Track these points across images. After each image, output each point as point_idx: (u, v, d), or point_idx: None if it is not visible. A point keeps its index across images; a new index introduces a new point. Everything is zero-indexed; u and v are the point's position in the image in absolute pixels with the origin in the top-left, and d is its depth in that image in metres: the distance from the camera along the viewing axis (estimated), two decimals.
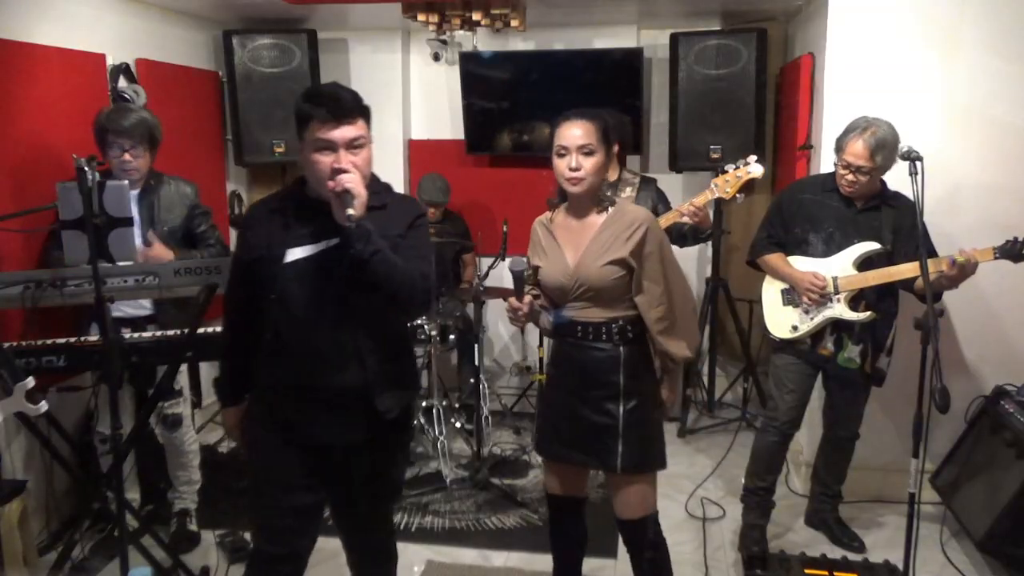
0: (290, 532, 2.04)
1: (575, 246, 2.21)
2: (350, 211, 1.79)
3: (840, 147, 2.77)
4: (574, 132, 2.13)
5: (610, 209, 2.22)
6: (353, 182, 1.82)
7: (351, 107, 1.88)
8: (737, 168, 2.92)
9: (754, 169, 2.91)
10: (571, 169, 2.13)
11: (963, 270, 2.54)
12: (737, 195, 2.97)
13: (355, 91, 1.93)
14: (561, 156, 2.16)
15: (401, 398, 2.05)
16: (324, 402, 1.96)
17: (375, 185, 2.02)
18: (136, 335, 2.67)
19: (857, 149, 2.70)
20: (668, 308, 2.19)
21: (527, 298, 2.18)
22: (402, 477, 2.28)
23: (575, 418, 2.24)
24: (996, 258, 2.59)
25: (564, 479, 2.38)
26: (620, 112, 3.55)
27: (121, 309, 2.89)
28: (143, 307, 2.93)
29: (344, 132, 1.86)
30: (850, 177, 2.76)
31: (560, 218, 2.30)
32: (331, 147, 1.86)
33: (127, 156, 2.80)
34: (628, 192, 3.32)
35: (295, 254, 1.93)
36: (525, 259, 2.19)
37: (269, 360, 2.00)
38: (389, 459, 2.11)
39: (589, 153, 2.13)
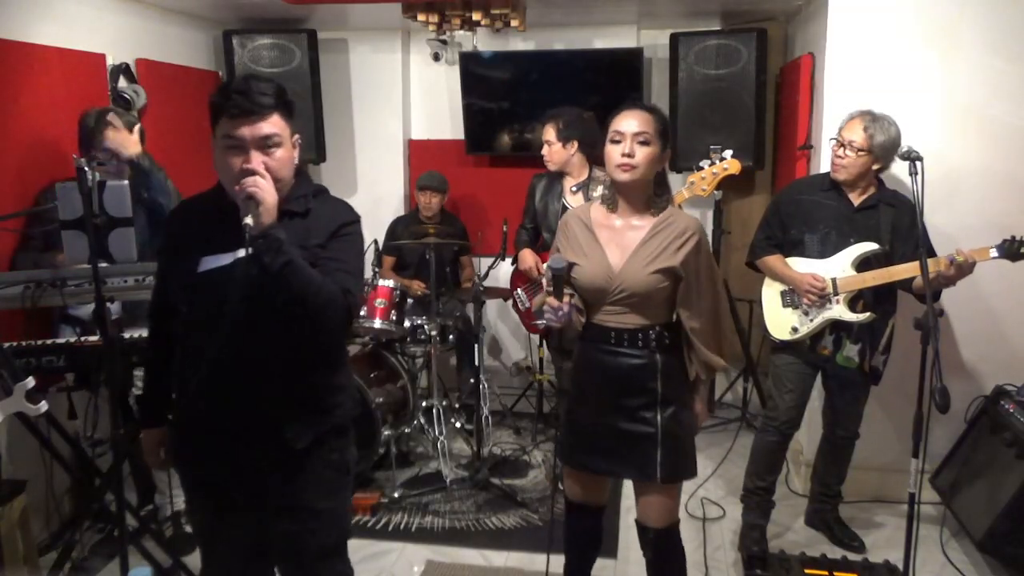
0: (231, 568, 1.90)
1: (620, 248, 2.11)
2: (247, 220, 1.60)
3: (839, 128, 2.83)
4: (631, 120, 2.05)
5: (660, 213, 2.13)
6: (258, 187, 1.62)
7: (263, 101, 1.67)
8: (713, 164, 2.89)
9: (730, 165, 2.87)
10: (624, 155, 2.04)
11: (961, 269, 2.54)
12: (715, 192, 2.94)
13: (276, 84, 1.73)
14: (615, 143, 2.06)
15: (313, 426, 1.81)
16: (226, 426, 1.77)
17: (302, 187, 1.83)
18: (137, 335, 2.67)
19: (853, 124, 2.77)
20: (708, 320, 2.13)
21: (566, 298, 2.07)
22: (338, 506, 1.95)
23: (608, 428, 2.16)
24: (994, 257, 2.59)
25: (587, 487, 2.31)
26: (582, 109, 3.62)
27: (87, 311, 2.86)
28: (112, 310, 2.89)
29: (255, 129, 1.66)
30: (839, 151, 2.78)
31: (600, 216, 2.18)
32: (241, 145, 1.67)
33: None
34: (600, 190, 3.33)
35: (209, 263, 1.74)
36: (565, 258, 2.09)
37: (180, 380, 1.82)
38: (312, 485, 1.84)
39: (644, 143, 2.04)
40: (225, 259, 1.74)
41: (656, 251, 2.08)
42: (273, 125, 1.69)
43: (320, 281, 1.69)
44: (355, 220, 1.87)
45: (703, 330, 2.12)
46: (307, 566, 1.90)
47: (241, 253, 1.70)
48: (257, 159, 1.68)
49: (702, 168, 2.91)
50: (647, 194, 2.14)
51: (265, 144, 1.69)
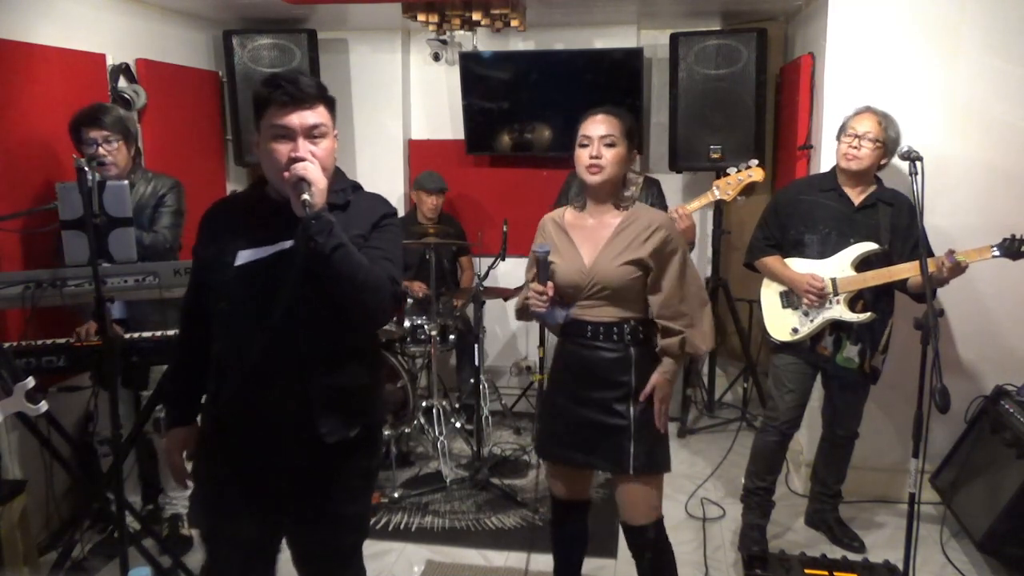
0: (237, 567, 1.87)
1: (591, 245, 2.20)
2: (305, 196, 1.61)
3: (844, 126, 2.85)
4: (597, 124, 2.16)
5: (628, 210, 2.22)
6: (308, 169, 1.65)
7: (311, 92, 1.71)
8: (739, 171, 2.97)
9: (755, 173, 2.96)
10: (592, 157, 2.14)
11: (957, 267, 2.55)
12: (738, 197, 3.03)
13: (316, 79, 1.80)
14: (583, 146, 2.18)
15: (348, 422, 1.80)
16: (264, 423, 1.78)
17: (340, 182, 1.87)
18: (136, 335, 2.68)
19: (863, 118, 2.80)
20: (681, 308, 2.18)
21: (550, 283, 2.17)
22: (363, 511, 1.98)
23: (581, 420, 2.22)
24: (995, 256, 2.59)
25: (569, 482, 2.36)
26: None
27: None
28: (113, 310, 2.89)
29: (303, 117, 1.70)
30: (854, 143, 2.79)
31: (572, 217, 2.28)
32: (288, 135, 1.70)
33: (102, 150, 2.77)
34: (632, 190, 3.35)
35: (245, 256, 1.75)
36: (548, 243, 2.18)
37: (215, 376, 1.83)
38: (341, 490, 1.85)
39: (611, 144, 2.15)
40: (264, 252, 1.75)
41: (624, 244, 2.17)
42: (319, 115, 1.72)
43: (369, 267, 1.70)
44: (394, 212, 1.90)
45: (674, 317, 2.16)
46: (326, 567, 1.92)
47: (282, 245, 1.72)
48: (305, 147, 1.70)
49: (728, 174, 2.98)
50: (615, 193, 2.23)
51: (312, 133, 1.71)
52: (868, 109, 2.84)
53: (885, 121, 2.79)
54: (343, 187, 1.86)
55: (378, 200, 1.92)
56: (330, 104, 1.77)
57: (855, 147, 2.79)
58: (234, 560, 1.88)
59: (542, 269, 2.15)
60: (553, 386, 2.35)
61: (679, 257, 2.19)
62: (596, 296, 2.18)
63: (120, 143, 2.84)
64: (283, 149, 1.69)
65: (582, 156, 2.18)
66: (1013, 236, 2.58)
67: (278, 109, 1.69)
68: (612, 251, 2.17)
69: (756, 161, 2.99)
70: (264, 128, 1.72)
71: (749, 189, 3.08)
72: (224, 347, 1.81)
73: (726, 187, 2.99)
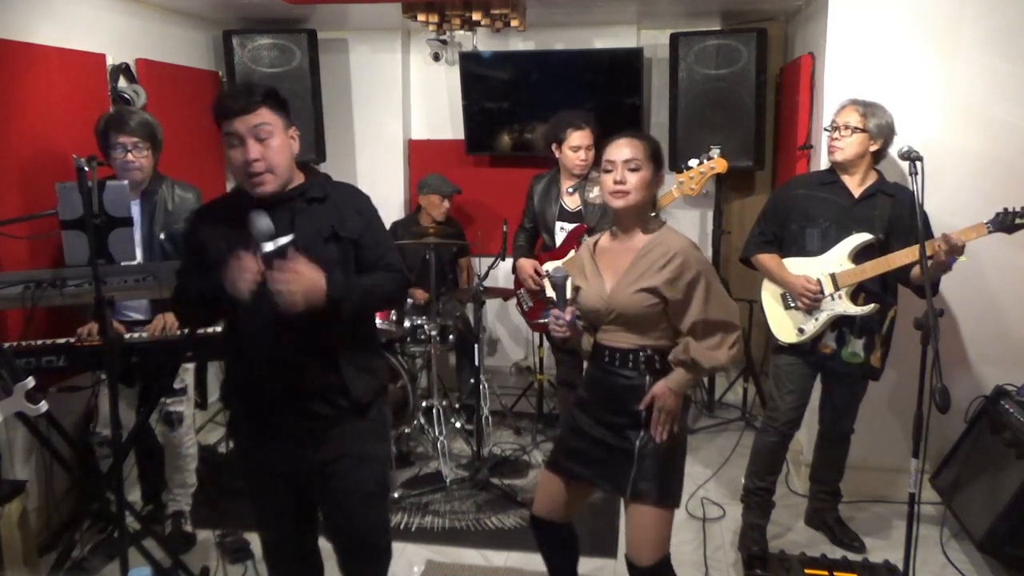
0: (274, 519, 2.14)
1: (614, 271, 2.19)
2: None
3: (832, 119, 2.85)
4: (620, 148, 2.15)
5: (653, 234, 2.18)
6: (283, 284, 1.78)
7: (246, 96, 1.87)
8: (701, 163, 2.91)
9: (717, 163, 2.89)
10: (616, 182, 2.13)
11: (955, 246, 2.51)
12: (703, 191, 3.00)
13: (264, 85, 1.94)
14: (607, 171, 2.16)
15: (372, 383, 2.09)
16: (268, 400, 2.01)
17: (315, 178, 2.04)
18: (136, 335, 2.68)
19: (845, 111, 2.81)
20: (708, 322, 2.10)
21: (570, 308, 2.17)
22: (381, 456, 2.19)
23: (593, 438, 2.22)
24: (989, 232, 2.57)
25: (557, 500, 2.30)
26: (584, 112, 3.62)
27: (124, 313, 2.91)
28: (139, 312, 2.91)
29: (246, 121, 1.86)
30: (836, 135, 2.80)
31: (604, 242, 2.29)
32: (239, 140, 1.87)
33: (130, 156, 2.80)
34: (596, 192, 3.36)
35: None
36: (564, 269, 2.20)
37: (232, 365, 2.13)
38: (360, 438, 2.06)
39: (635, 169, 2.13)
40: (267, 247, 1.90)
41: (642, 271, 2.13)
42: (261, 116, 1.88)
43: (381, 287, 2.01)
44: (368, 197, 2.13)
45: (700, 328, 2.09)
46: (349, 509, 2.08)
47: (281, 241, 1.86)
48: (255, 149, 1.87)
49: (691, 167, 2.93)
50: (641, 217, 2.21)
51: (258, 134, 1.88)
52: (851, 102, 2.84)
53: (866, 110, 2.78)
54: (319, 182, 2.05)
55: (352, 189, 2.13)
56: (276, 104, 1.92)
57: (836, 138, 2.80)
58: (278, 521, 2.14)
59: (559, 295, 2.13)
60: (579, 406, 2.32)
61: (702, 284, 2.09)
62: (616, 322, 2.17)
63: (148, 150, 2.86)
64: (236, 154, 1.89)
65: (606, 181, 2.17)
66: (1005, 209, 2.56)
67: (226, 119, 1.88)
68: (629, 278, 2.14)
69: (717, 151, 2.92)
70: (224, 138, 1.92)
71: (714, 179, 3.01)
72: (239, 336, 2.03)
73: (688, 182, 2.92)
